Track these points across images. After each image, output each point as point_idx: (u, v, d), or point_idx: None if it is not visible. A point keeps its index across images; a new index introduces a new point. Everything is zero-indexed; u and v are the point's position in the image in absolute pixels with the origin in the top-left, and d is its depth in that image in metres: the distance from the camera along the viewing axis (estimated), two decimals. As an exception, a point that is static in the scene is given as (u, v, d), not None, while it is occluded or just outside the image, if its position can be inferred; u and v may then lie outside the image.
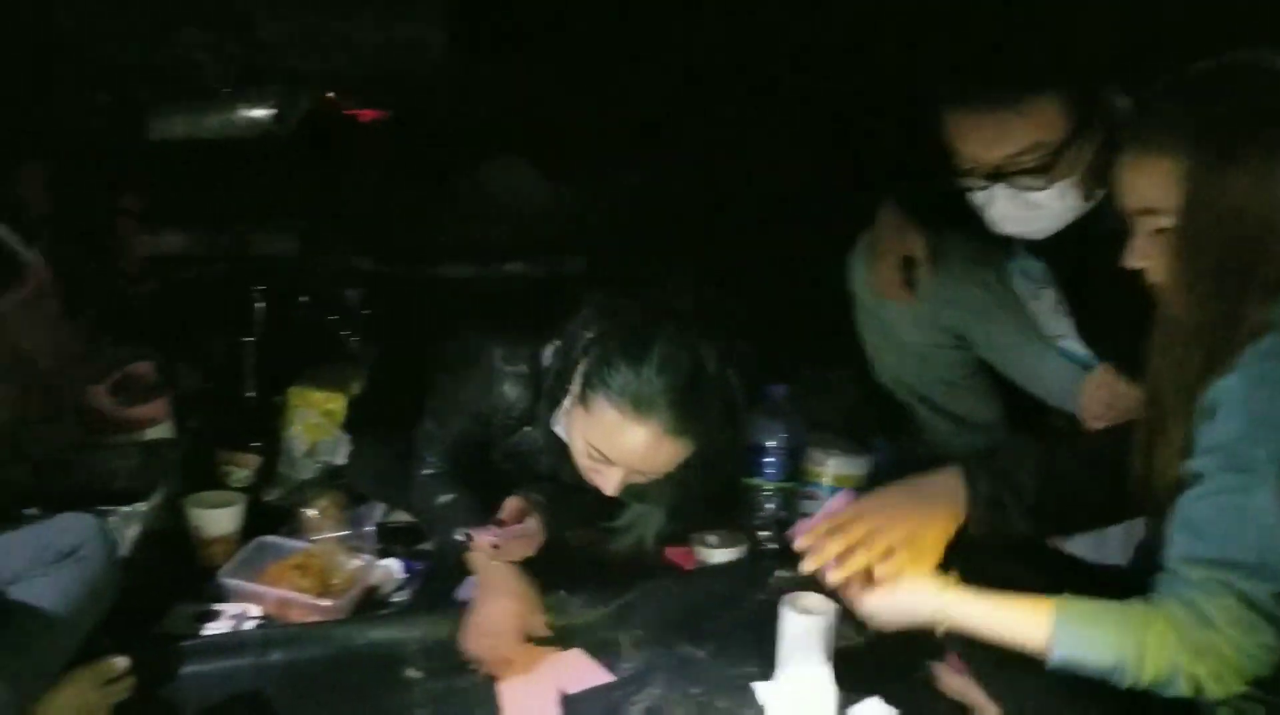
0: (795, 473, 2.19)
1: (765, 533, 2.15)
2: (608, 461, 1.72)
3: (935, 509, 1.44)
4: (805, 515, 2.20)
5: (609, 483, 1.74)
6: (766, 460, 2.16)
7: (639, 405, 1.66)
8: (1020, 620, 1.28)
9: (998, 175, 1.71)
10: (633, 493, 1.84)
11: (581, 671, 1.77)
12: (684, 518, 2.05)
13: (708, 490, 2.00)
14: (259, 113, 5.47)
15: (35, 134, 3.05)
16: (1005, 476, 1.46)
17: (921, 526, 1.42)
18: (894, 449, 2.27)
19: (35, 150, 3.06)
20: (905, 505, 1.45)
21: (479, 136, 3.89)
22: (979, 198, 1.77)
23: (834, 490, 2.19)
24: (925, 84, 1.75)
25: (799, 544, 1.46)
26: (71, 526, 1.64)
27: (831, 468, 2.18)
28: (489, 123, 3.94)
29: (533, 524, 1.85)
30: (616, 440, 1.68)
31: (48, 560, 1.57)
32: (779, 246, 2.62)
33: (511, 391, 1.89)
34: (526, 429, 1.93)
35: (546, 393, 1.84)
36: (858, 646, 1.76)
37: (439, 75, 4.72)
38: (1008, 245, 1.96)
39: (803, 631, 1.66)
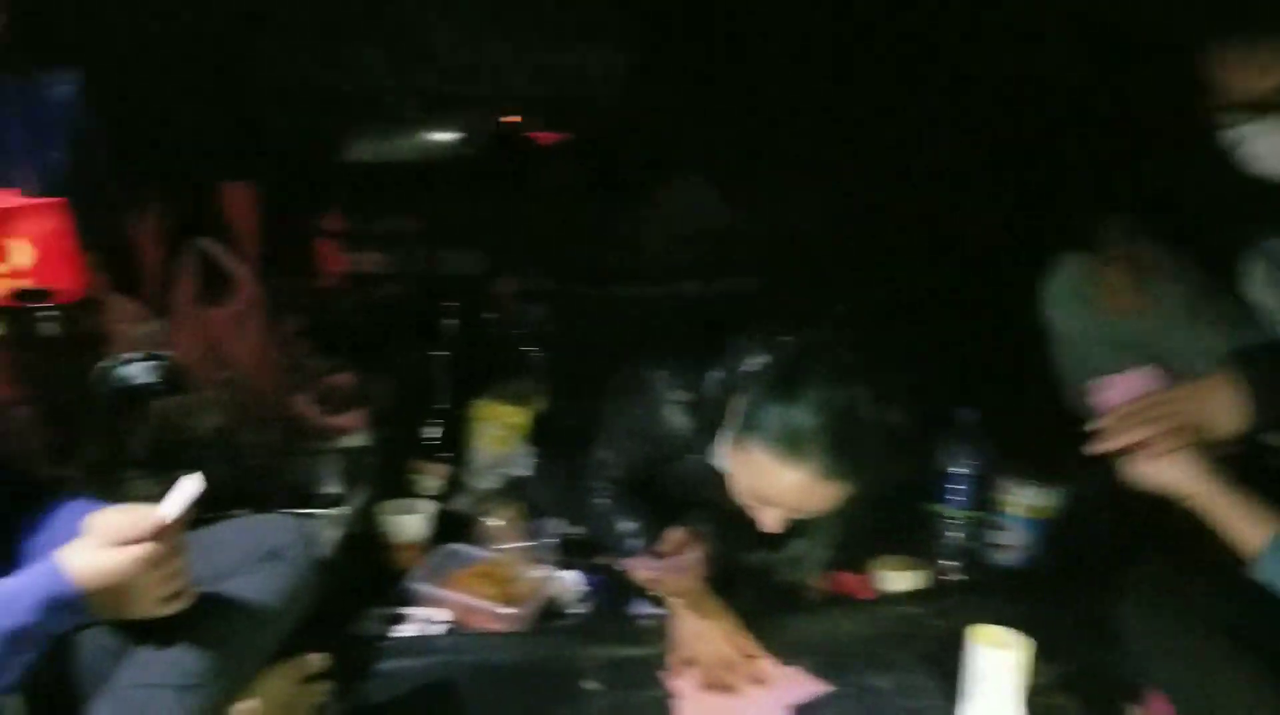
0: (984, 501, 2.11)
1: (950, 562, 2.09)
2: (767, 500, 1.70)
3: (1219, 407, 1.51)
4: (995, 544, 2.13)
5: (769, 520, 1.71)
6: (953, 487, 2.09)
7: (792, 449, 1.60)
8: (1247, 529, 1.40)
9: (1266, 106, 1.63)
10: (797, 527, 1.82)
11: (796, 687, 1.77)
12: (850, 552, 2.01)
13: (876, 525, 1.96)
14: (446, 137, 5.71)
15: (241, 157, 3.25)
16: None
17: (1208, 419, 1.50)
18: (1090, 478, 2.16)
19: (241, 172, 3.27)
20: (1193, 399, 1.53)
21: (659, 158, 3.94)
22: (1240, 133, 1.68)
23: (1025, 522, 2.11)
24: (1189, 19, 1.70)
25: (1101, 423, 1.53)
26: (277, 527, 1.70)
27: (1023, 497, 2.10)
28: (669, 144, 3.99)
29: (692, 556, 1.85)
30: (771, 482, 1.65)
31: (253, 559, 1.61)
32: (970, 269, 2.54)
33: (676, 419, 1.88)
34: (691, 457, 1.93)
35: (706, 424, 1.84)
36: (1049, 685, 1.68)
37: (620, 98, 4.83)
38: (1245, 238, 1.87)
39: (992, 667, 1.60)
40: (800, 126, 3.77)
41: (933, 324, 2.42)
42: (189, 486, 1.41)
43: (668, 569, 1.84)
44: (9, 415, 2.17)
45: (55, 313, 2.46)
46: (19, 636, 1.21)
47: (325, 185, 3.84)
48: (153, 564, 1.30)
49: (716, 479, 1.83)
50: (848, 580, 2.09)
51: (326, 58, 4.13)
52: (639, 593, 1.97)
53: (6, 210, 2.65)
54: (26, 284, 2.61)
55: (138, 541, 1.29)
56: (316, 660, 1.64)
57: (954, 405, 2.11)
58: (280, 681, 1.60)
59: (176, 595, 1.34)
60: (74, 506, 1.46)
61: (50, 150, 3.17)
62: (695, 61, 4.16)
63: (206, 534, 1.61)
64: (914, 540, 2.13)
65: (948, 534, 2.11)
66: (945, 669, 1.73)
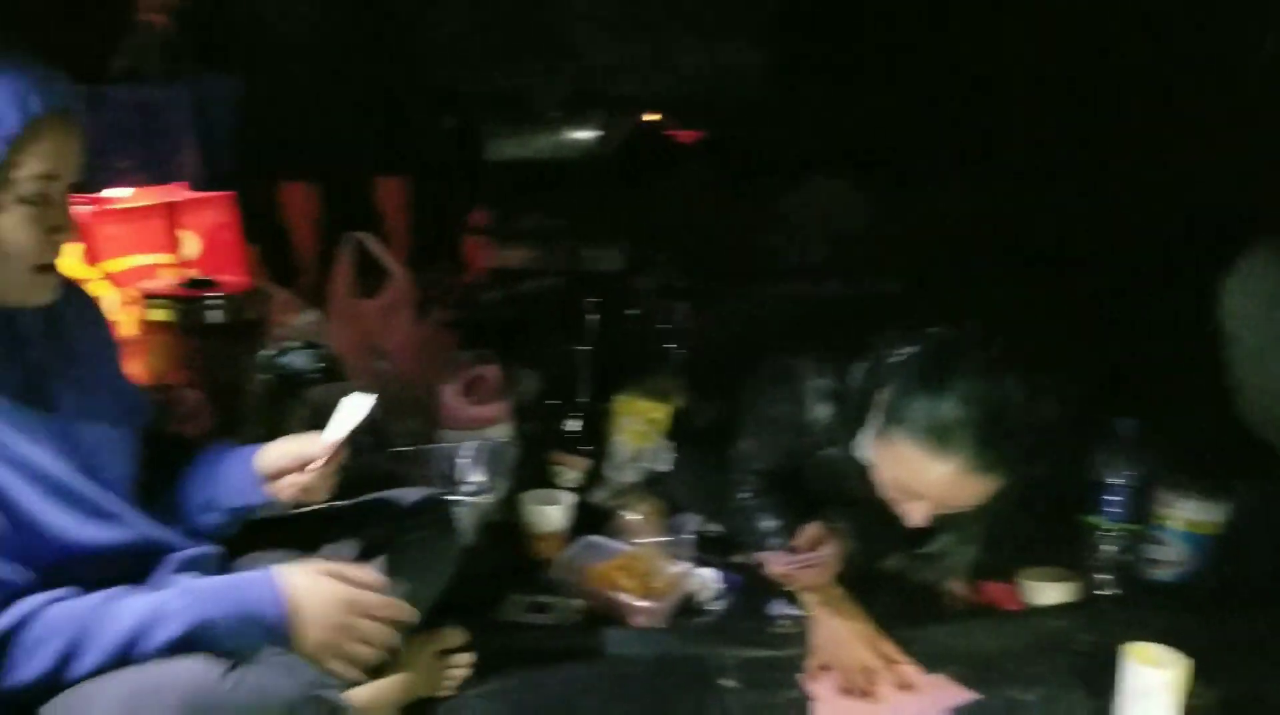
0: (1142, 514, 2.02)
1: (1104, 576, 2.01)
2: (912, 494, 1.66)
3: None
4: (1152, 559, 2.04)
5: (914, 515, 1.67)
6: (1109, 499, 2.01)
7: (940, 441, 1.56)
8: None
9: None
10: (943, 522, 1.77)
11: (941, 695, 1.74)
12: (996, 555, 1.95)
13: (1026, 534, 1.89)
14: (585, 135, 5.79)
15: (392, 154, 3.36)
16: None
17: None
18: (1256, 494, 2.05)
19: (392, 169, 3.37)
20: None
21: (799, 157, 3.91)
22: None
23: (1185, 536, 2.02)
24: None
25: None
26: (421, 509, 1.74)
27: (1183, 511, 2.01)
28: (809, 143, 3.96)
29: (828, 552, 1.83)
30: (918, 475, 1.60)
31: (399, 535, 1.64)
32: (1132, 272, 2.45)
33: (819, 410, 1.85)
34: (833, 450, 1.90)
35: (851, 416, 1.81)
36: (1209, 708, 1.60)
37: (760, 96, 4.81)
38: None
39: (1148, 686, 1.53)
40: (949, 124, 3.69)
41: (1092, 329, 2.33)
42: (357, 406, 1.44)
43: (803, 564, 1.81)
44: (177, 397, 2.28)
45: (221, 301, 2.57)
46: (198, 634, 1.18)
47: (472, 182, 3.95)
48: (366, 610, 1.29)
49: (860, 473, 1.80)
50: (994, 590, 2.03)
51: (474, 58, 4.23)
52: (777, 593, 1.96)
53: (177, 203, 2.80)
54: (195, 273, 2.75)
55: (364, 585, 1.31)
56: (456, 635, 1.67)
57: (1113, 414, 2.03)
58: (420, 654, 1.63)
59: (369, 662, 1.31)
60: (236, 453, 1.50)
61: (216, 146, 3.33)
62: (839, 59, 4.12)
63: (352, 507, 1.66)
64: (1066, 552, 2.05)
65: (1102, 547, 2.03)
66: (1097, 687, 1.66)
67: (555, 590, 1.99)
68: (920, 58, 3.96)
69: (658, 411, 2.31)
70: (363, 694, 1.49)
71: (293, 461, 1.45)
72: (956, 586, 2.00)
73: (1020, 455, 1.58)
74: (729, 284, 3.24)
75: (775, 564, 1.81)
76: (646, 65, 5.50)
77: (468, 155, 4.57)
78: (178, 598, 1.20)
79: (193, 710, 1.11)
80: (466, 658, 1.70)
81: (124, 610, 1.18)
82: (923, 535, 1.89)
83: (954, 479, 1.57)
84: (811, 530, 1.86)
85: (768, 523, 1.89)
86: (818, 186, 3.88)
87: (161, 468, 1.47)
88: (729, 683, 1.76)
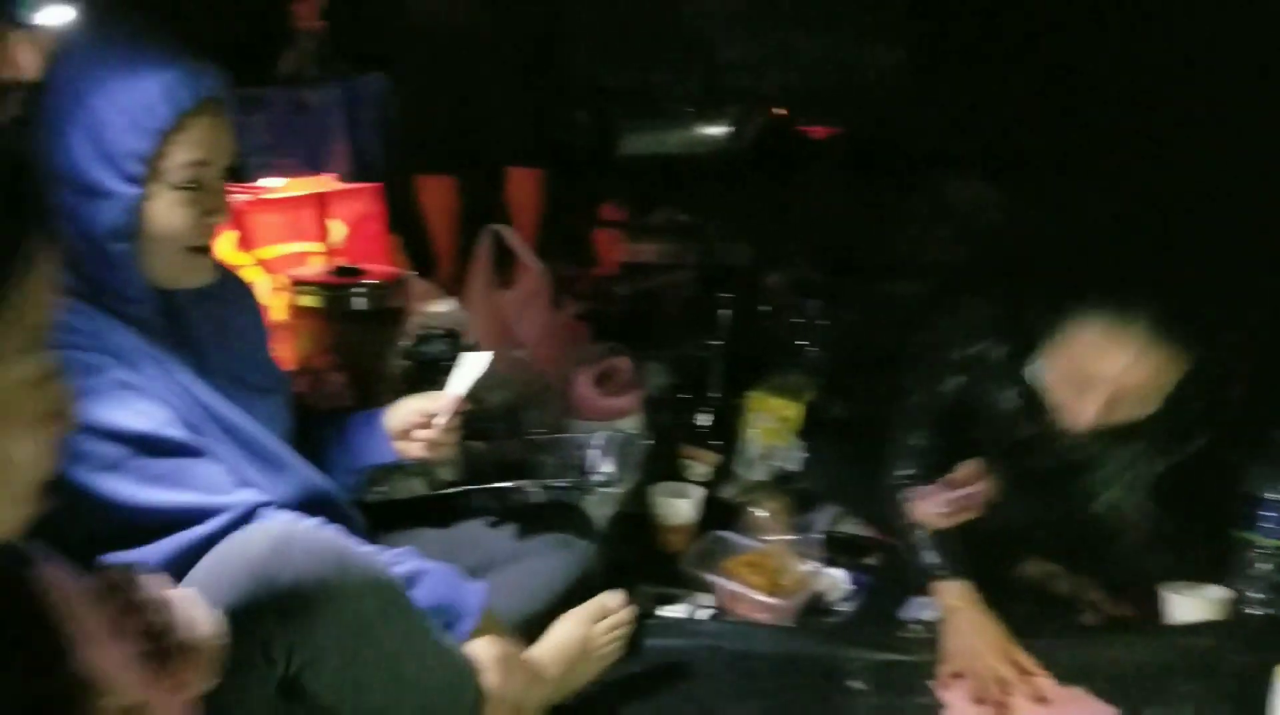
0: (1300, 531, 1.92)
1: (1256, 595, 1.92)
2: (1089, 386, 1.62)
3: None
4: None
5: (1086, 411, 1.63)
6: (1265, 514, 1.92)
7: (1121, 312, 1.58)
8: None
9: None
10: (1111, 435, 1.72)
11: (1080, 709, 1.69)
12: (1143, 560, 1.88)
13: (1172, 547, 1.83)
14: (717, 130, 5.78)
15: (529, 149, 3.41)
16: None
17: None
18: None
19: (529, 162, 3.43)
20: None
21: (934, 153, 3.83)
22: None
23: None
24: None
25: None
26: (566, 516, 1.79)
27: (1346, 530, 1.90)
28: (945, 139, 3.87)
29: (983, 487, 1.78)
30: (1097, 357, 1.60)
31: (546, 544, 1.69)
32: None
33: (988, 346, 1.83)
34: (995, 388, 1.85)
35: (1021, 347, 1.76)
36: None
37: (894, 91, 4.73)
38: None
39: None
40: (1091, 123, 3.56)
41: (1248, 336, 2.22)
42: (476, 362, 1.56)
43: (957, 503, 1.77)
44: (321, 379, 2.37)
45: (365, 289, 2.65)
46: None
47: (605, 176, 3.98)
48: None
49: (1022, 415, 1.78)
50: (1136, 603, 1.96)
51: (609, 53, 4.27)
52: (909, 594, 1.93)
53: (326, 194, 2.90)
54: (341, 261, 2.84)
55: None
56: (615, 600, 1.61)
57: (1271, 426, 1.93)
58: (578, 622, 1.56)
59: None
60: (366, 416, 1.61)
61: (365, 141, 3.44)
62: (978, 57, 4.01)
63: (500, 511, 1.71)
64: (1216, 567, 1.97)
65: (1256, 565, 1.94)
66: (1246, 708, 1.59)
67: (683, 583, 2.00)
68: (1067, 50, 3.83)
69: (789, 409, 2.29)
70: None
71: (418, 417, 1.55)
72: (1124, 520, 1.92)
73: (1203, 330, 1.61)
74: (861, 280, 3.20)
75: (927, 503, 1.78)
76: (779, 60, 5.46)
77: (601, 149, 4.61)
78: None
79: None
80: (629, 617, 1.63)
81: None
82: (1078, 476, 1.85)
83: (1136, 357, 1.57)
84: (968, 467, 1.81)
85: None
86: (954, 183, 3.79)
87: (302, 440, 1.55)
88: (858, 685, 1.75)
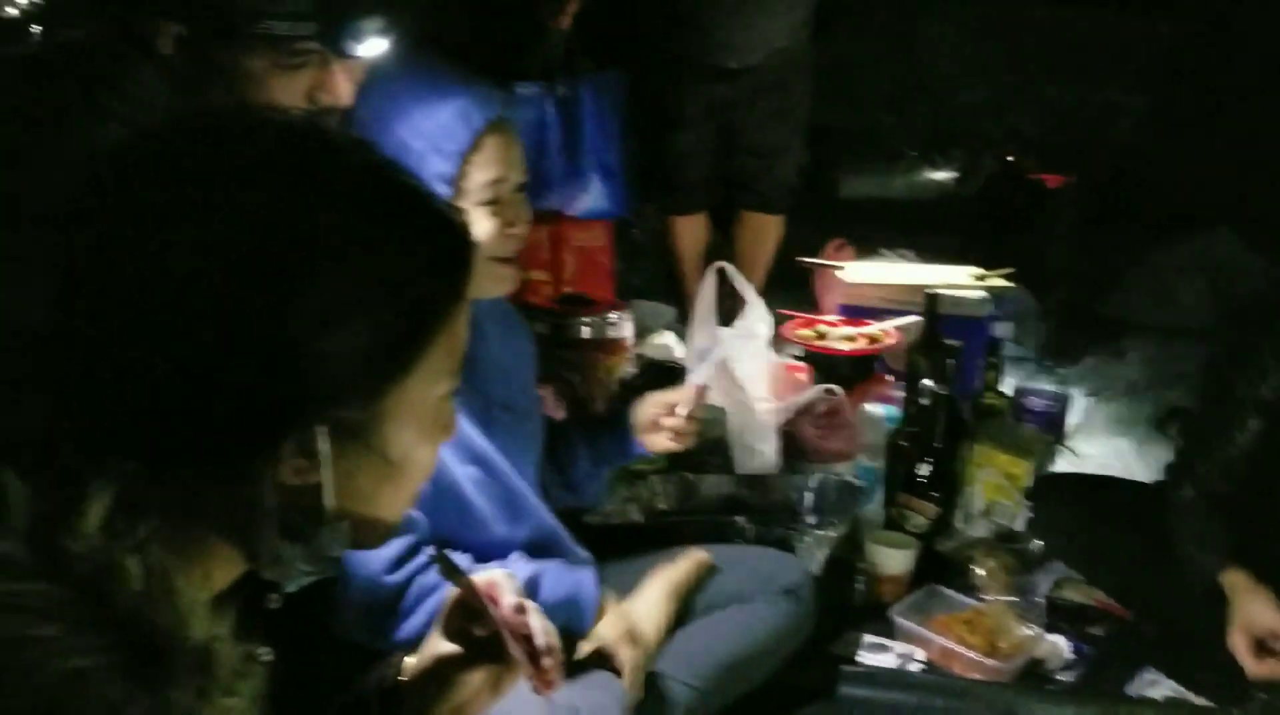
0: None
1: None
2: None
3: None
4: None
5: None
6: None
7: None
8: None
9: None
10: None
11: None
12: None
13: None
14: (942, 175, 5.66)
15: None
16: None
17: None
18: None
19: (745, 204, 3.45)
20: None
21: (1176, 206, 3.62)
22: None
23: None
24: None
25: None
26: (792, 567, 1.79)
27: None
28: (1192, 193, 3.66)
29: None
30: None
31: (770, 591, 1.68)
32: None
33: None
34: None
35: None
36: None
37: (1134, 142, 4.50)
38: None
39: None
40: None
41: None
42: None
43: None
44: (546, 402, 2.45)
45: (589, 319, 2.73)
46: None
47: (828, 218, 3.96)
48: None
49: None
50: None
51: (833, 94, 4.25)
52: (1137, 670, 1.82)
53: (559, 225, 3.01)
54: (568, 290, 2.94)
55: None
56: (704, 557, 1.65)
57: None
58: (666, 585, 1.58)
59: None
60: (609, 420, 1.74)
61: (595, 168, 3.46)
62: (1222, 105, 3.78)
63: (725, 551, 1.72)
64: None
65: None
66: None
67: (894, 634, 1.95)
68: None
69: (1017, 466, 2.20)
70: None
71: (662, 408, 1.63)
72: None
73: None
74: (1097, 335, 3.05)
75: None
76: (1014, 105, 5.31)
77: (824, 190, 4.58)
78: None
79: None
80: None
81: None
82: None
83: None
84: None
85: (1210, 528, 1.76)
86: (1201, 235, 3.59)
87: (549, 449, 1.63)
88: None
